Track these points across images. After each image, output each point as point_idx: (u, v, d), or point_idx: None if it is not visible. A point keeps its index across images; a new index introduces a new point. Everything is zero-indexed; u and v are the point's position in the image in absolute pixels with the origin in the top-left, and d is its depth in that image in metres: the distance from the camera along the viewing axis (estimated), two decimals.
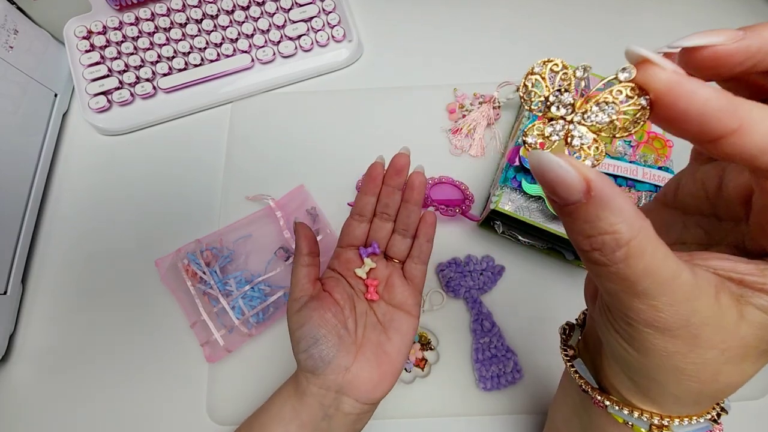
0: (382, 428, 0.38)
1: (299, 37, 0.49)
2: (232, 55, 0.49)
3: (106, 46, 0.48)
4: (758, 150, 0.12)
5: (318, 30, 0.49)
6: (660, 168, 0.36)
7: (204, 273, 0.41)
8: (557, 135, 0.16)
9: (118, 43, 0.48)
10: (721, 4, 0.53)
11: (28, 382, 0.41)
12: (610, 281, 0.14)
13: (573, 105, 0.16)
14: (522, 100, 0.16)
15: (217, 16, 0.49)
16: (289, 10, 0.49)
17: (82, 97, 0.48)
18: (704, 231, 0.19)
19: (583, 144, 0.16)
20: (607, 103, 0.15)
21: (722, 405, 0.20)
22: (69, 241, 0.45)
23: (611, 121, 0.15)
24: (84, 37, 0.48)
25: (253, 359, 0.41)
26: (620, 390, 0.20)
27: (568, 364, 0.23)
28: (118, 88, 0.48)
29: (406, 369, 0.38)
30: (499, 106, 0.47)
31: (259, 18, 0.49)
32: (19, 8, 0.46)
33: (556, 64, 0.16)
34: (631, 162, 0.36)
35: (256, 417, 0.30)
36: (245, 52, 0.49)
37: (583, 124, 0.16)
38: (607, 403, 0.20)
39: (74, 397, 0.40)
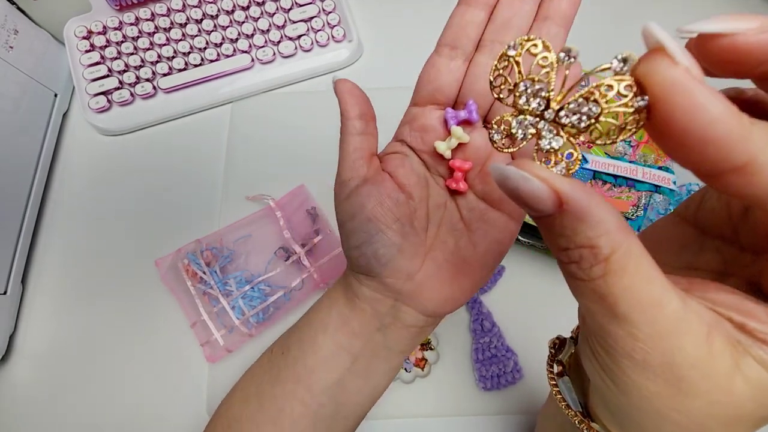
0: (382, 428, 0.38)
1: (299, 37, 0.49)
2: (232, 55, 0.49)
3: (106, 46, 0.48)
4: (765, 195, 0.10)
5: (318, 30, 0.49)
6: (660, 168, 0.36)
7: (204, 273, 0.41)
8: (525, 133, 0.13)
9: (118, 43, 0.48)
10: (719, 4, 0.53)
11: (28, 381, 0.41)
12: (588, 299, 0.13)
13: (548, 98, 0.12)
14: (491, 88, 0.13)
15: (217, 16, 0.49)
16: (289, 10, 0.49)
17: (82, 97, 0.48)
18: (722, 258, 0.16)
19: (553, 147, 0.13)
20: (589, 99, 0.11)
21: None
22: (69, 241, 0.45)
23: (591, 124, 0.12)
24: (84, 37, 0.48)
25: (253, 359, 0.40)
26: (603, 421, 0.17)
27: (552, 382, 0.20)
28: (118, 88, 0.48)
29: (405, 369, 0.38)
30: None
31: (259, 18, 0.49)
32: (19, 8, 0.46)
33: (535, 45, 0.12)
34: (631, 162, 0.36)
35: (296, 329, 0.25)
36: (245, 52, 0.49)
37: (558, 123, 0.12)
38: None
39: (74, 397, 0.40)
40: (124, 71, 0.48)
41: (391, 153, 0.24)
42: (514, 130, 0.13)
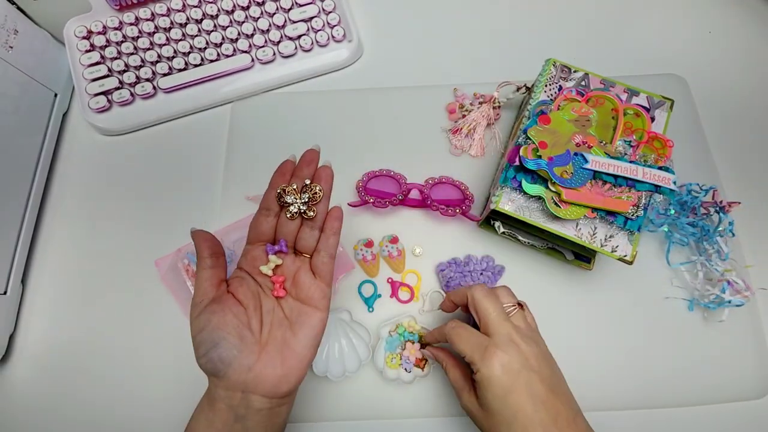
0: (381, 428, 0.38)
1: (299, 37, 0.49)
2: (232, 55, 0.49)
3: (106, 46, 0.48)
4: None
5: (318, 30, 0.49)
6: (660, 168, 0.36)
7: None
8: (292, 208, 0.32)
9: (118, 43, 0.48)
10: (718, 5, 0.53)
11: (28, 382, 0.41)
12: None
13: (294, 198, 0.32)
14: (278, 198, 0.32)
15: (217, 16, 0.49)
16: (289, 10, 0.49)
17: (82, 97, 0.48)
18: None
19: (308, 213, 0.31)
20: (306, 193, 0.31)
21: None
22: (69, 241, 0.45)
23: (310, 202, 0.31)
24: (84, 37, 0.48)
25: None
26: None
27: None
28: (118, 88, 0.48)
29: (405, 369, 0.38)
30: (499, 106, 0.47)
31: (259, 18, 0.49)
32: (19, 8, 0.46)
33: (289, 193, 0.32)
34: (631, 162, 0.36)
35: None
36: (245, 52, 0.49)
37: (297, 205, 0.31)
38: None
39: (73, 397, 0.40)
40: (124, 71, 0.48)
41: (234, 277, 0.32)
42: (290, 207, 0.31)
